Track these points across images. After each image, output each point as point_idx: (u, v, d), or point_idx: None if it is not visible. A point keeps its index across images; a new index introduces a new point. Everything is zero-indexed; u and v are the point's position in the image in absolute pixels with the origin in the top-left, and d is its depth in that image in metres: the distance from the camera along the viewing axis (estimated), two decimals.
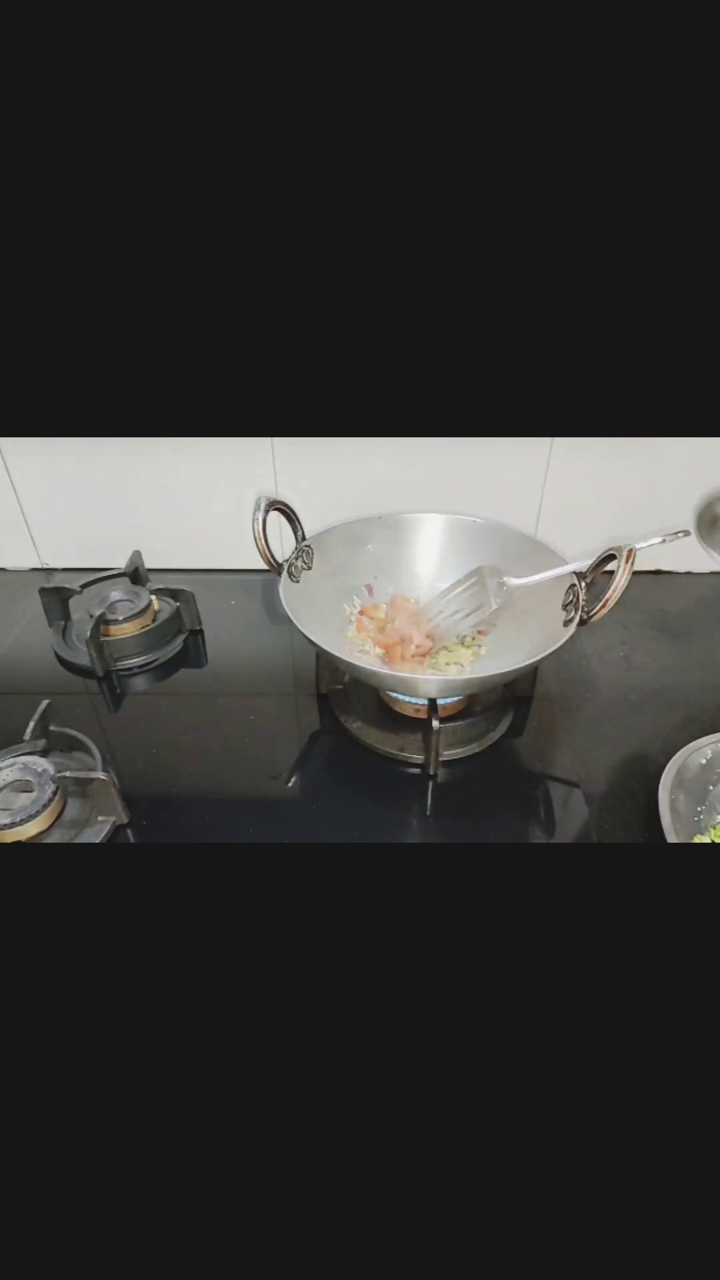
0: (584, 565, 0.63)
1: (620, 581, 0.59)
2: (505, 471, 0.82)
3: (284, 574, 0.66)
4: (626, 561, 0.59)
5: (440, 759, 0.64)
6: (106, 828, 0.57)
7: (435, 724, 0.61)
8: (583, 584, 0.64)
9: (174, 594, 0.80)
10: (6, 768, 0.59)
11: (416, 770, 0.64)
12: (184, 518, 0.87)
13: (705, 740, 0.60)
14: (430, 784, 0.63)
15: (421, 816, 0.61)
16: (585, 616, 0.61)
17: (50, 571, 0.92)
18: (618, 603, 0.59)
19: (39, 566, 0.92)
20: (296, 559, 0.69)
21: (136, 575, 0.83)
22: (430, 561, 0.76)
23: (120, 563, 0.84)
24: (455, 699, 0.68)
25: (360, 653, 0.70)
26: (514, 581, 0.67)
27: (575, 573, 0.65)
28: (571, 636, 0.61)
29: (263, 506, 0.64)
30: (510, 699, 0.71)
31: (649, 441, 0.79)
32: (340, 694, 0.71)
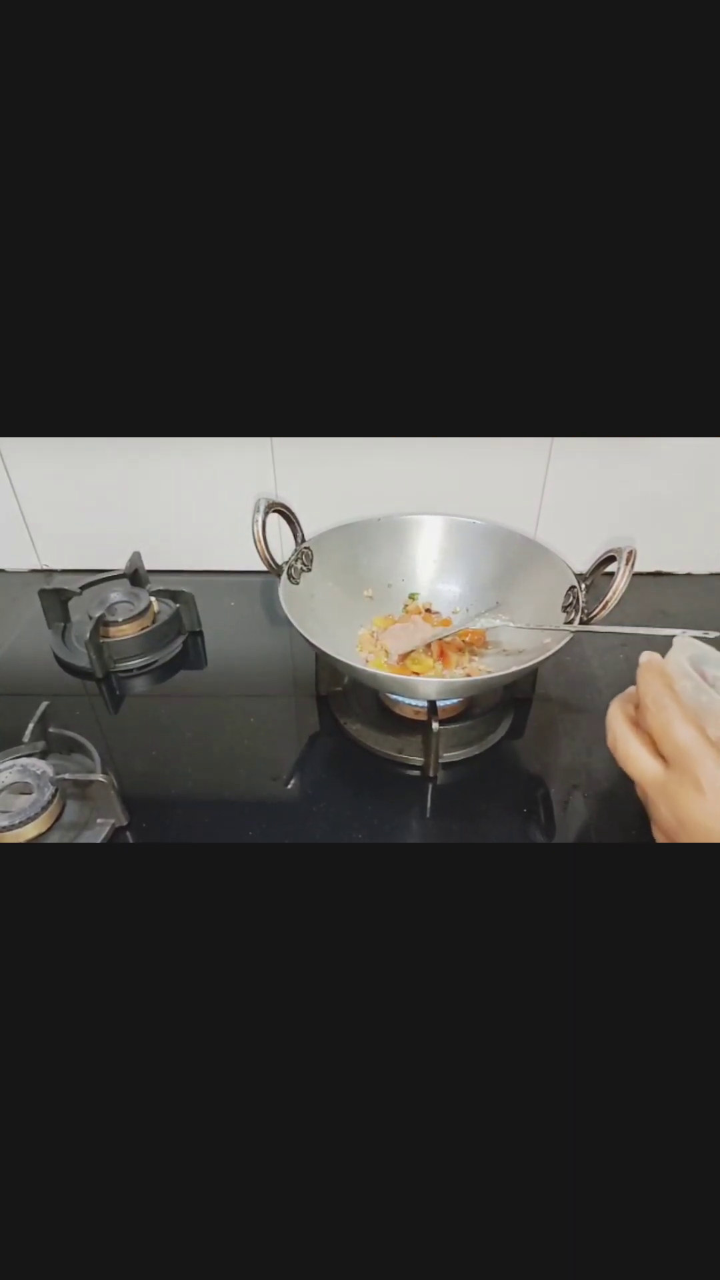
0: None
1: (620, 583, 0.59)
2: (505, 471, 0.82)
3: (283, 576, 0.66)
4: (627, 563, 0.59)
5: (440, 761, 0.63)
6: (106, 830, 0.57)
7: (435, 726, 0.61)
8: (583, 586, 0.64)
9: (174, 595, 0.80)
10: (5, 770, 0.59)
11: (416, 772, 0.64)
12: (184, 518, 0.87)
13: (690, 637, 0.59)
14: (430, 786, 0.63)
15: (421, 818, 0.61)
16: (585, 618, 0.61)
17: (50, 573, 0.92)
18: (618, 604, 0.59)
19: (38, 568, 0.92)
20: (296, 561, 0.69)
21: (136, 577, 0.83)
22: (430, 563, 0.76)
23: (120, 564, 0.84)
24: (455, 701, 0.68)
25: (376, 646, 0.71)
26: (500, 622, 0.68)
27: (576, 574, 0.65)
28: (571, 637, 0.61)
29: (262, 508, 0.64)
30: (510, 701, 0.70)
31: (649, 441, 0.79)
32: (340, 696, 0.71)
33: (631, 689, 0.41)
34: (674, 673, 0.39)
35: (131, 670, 0.76)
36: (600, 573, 0.64)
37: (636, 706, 0.39)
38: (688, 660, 0.40)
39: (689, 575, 0.90)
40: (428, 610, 0.75)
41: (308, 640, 0.61)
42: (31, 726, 0.63)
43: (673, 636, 0.51)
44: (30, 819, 0.55)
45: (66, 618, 0.81)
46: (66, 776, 0.59)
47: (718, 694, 0.39)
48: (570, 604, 0.64)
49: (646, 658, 0.39)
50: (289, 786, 0.63)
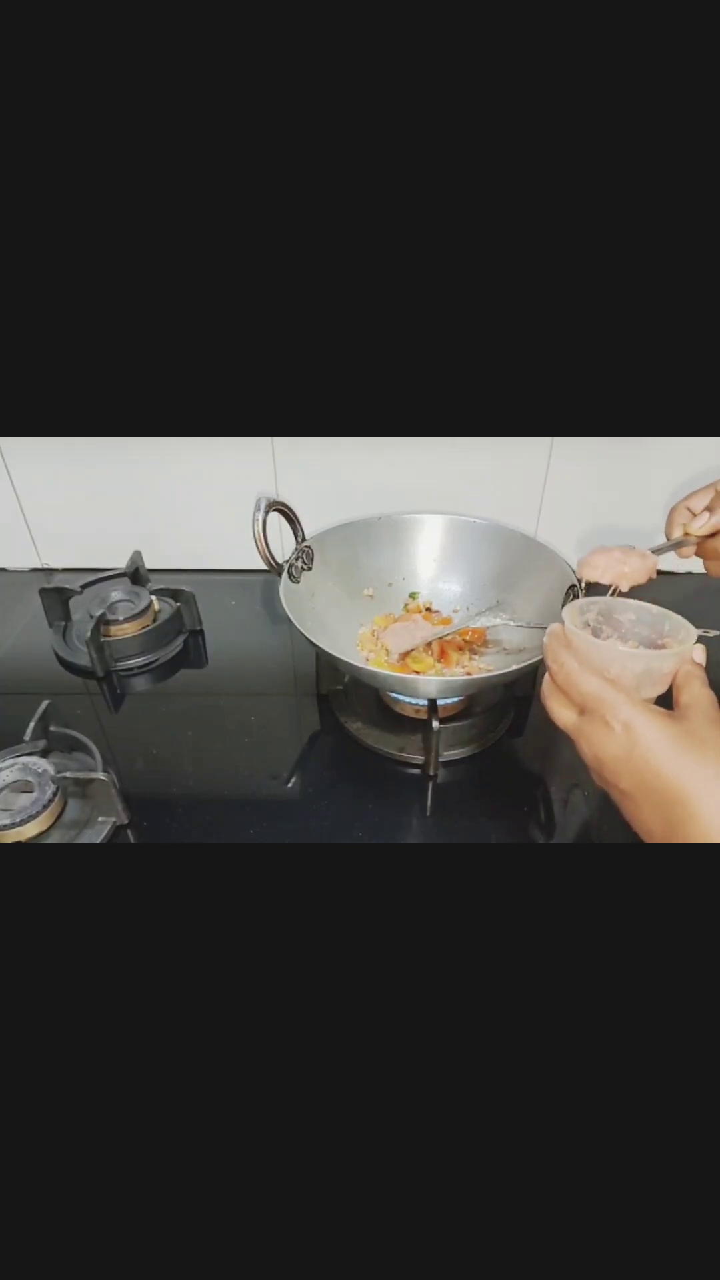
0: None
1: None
2: (505, 471, 0.83)
3: (284, 574, 0.67)
4: None
5: (440, 759, 0.64)
6: (107, 828, 0.57)
7: (435, 724, 0.61)
8: (583, 585, 0.64)
9: (174, 594, 0.80)
10: (7, 768, 0.59)
11: (416, 771, 0.64)
12: (184, 518, 0.87)
13: (584, 600, 0.60)
14: (430, 784, 0.63)
15: (421, 816, 0.61)
16: None
17: (50, 572, 0.92)
18: None
19: (39, 567, 0.92)
20: (296, 560, 0.69)
21: (137, 575, 0.83)
22: (431, 562, 0.76)
23: (120, 563, 0.84)
24: (455, 699, 0.68)
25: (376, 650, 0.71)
26: (500, 621, 0.68)
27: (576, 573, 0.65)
28: None
29: (263, 507, 0.65)
30: (510, 699, 0.71)
31: (649, 441, 0.79)
32: (340, 694, 0.71)
33: None
34: (569, 632, 0.43)
35: (132, 669, 0.76)
36: None
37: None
38: (594, 615, 0.46)
39: (689, 574, 0.90)
40: (428, 609, 0.75)
41: (308, 639, 0.61)
42: (32, 725, 0.63)
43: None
44: (31, 817, 0.55)
45: (67, 616, 0.81)
46: (67, 775, 0.59)
47: (613, 637, 0.45)
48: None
49: (549, 629, 0.44)
50: (289, 785, 0.63)
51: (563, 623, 0.44)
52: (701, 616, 0.47)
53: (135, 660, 0.76)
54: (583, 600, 0.47)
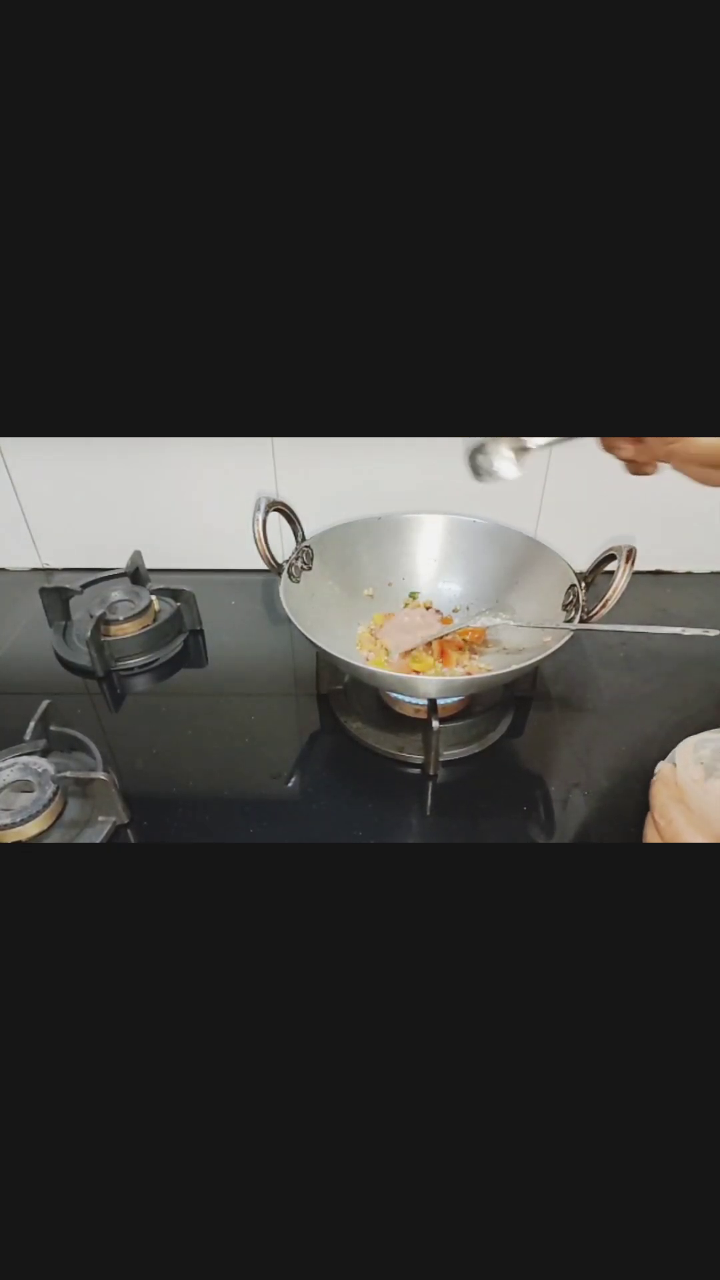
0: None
1: (620, 582, 0.59)
2: None
3: (284, 574, 0.67)
4: (626, 562, 0.59)
5: (440, 759, 0.64)
6: (107, 828, 0.58)
7: (435, 724, 0.61)
8: (583, 584, 0.64)
9: (174, 594, 0.80)
10: (7, 768, 0.59)
11: (416, 770, 0.64)
12: (184, 518, 0.87)
13: (702, 735, 0.60)
14: (430, 784, 0.63)
15: (421, 816, 0.61)
16: (585, 616, 0.61)
17: (50, 571, 0.92)
18: (618, 603, 0.59)
19: (39, 566, 0.92)
20: (296, 559, 0.69)
21: (137, 575, 0.83)
22: (431, 561, 0.76)
23: (120, 563, 0.84)
24: (455, 699, 0.68)
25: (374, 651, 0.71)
26: (500, 620, 0.69)
27: (576, 573, 0.66)
28: (571, 637, 0.61)
29: (263, 507, 0.65)
30: (510, 699, 0.71)
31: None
32: (340, 694, 0.71)
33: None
34: (682, 780, 0.38)
35: (132, 669, 0.76)
36: (600, 571, 0.64)
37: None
38: (710, 752, 0.39)
39: (689, 574, 0.90)
40: (428, 609, 0.75)
41: (308, 638, 0.61)
42: (33, 725, 0.63)
43: (672, 635, 0.51)
44: (31, 817, 0.55)
45: (67, 616, 0.81)
46: (68, 774, 0.59)
47: None
48: (570, 602, 0.64)
49: (658, 770, 0.38)
50: (289, 785, 0.63)
51: (674, 764, 0.38)
52: None
53: (135, 660, 0.76)
54: (699, 736, 0.42)
